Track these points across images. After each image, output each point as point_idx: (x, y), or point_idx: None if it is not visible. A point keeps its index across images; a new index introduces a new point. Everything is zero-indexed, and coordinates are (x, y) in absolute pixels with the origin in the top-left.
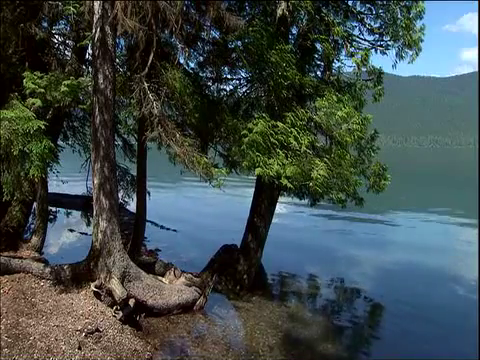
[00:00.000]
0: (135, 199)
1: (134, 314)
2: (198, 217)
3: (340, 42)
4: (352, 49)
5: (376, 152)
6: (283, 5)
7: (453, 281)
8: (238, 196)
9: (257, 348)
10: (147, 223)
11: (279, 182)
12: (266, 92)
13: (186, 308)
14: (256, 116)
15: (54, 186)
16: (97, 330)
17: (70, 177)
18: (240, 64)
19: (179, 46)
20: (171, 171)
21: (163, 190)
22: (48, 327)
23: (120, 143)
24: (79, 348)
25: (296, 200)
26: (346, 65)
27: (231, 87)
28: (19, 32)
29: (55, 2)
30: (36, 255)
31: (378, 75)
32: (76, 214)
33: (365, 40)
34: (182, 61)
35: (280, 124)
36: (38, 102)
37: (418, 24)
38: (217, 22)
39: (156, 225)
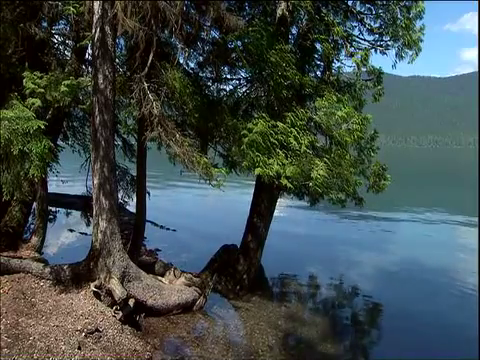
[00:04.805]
0: (135, 199)
1: (134, 314)
2: (198, 217)
3: (340, 42)
4: (352, 49)
5: (376, 152)
6: (283, 5)
7: (453, 281)
8: (238, 196)
9: (257, 348)
10: (147, 223)
11: (279, 182)
12: (266, 92)
13: (186, 308)
14: (256, 116)
15: (54, 186)
16: (97, 330)
17: (69, 177)
18: (240, 64)
19: (179, 46)
20: (172, 171)
21: (163, 190)
22: (48, 327)
23: (120, 143)
24: (79, 348)
25: (296, 200)
26: (346, 65)
27: (231, 87)
28: (19, 32)
29: (55, 2)
30: (36, 255)
31: (378, 75)
32: (76, 214)
33: (365, 40)
34: (182, 61)
35: (280, 124)
36: (38, 102)
37: (418, 24)
38: (217, 22)
39: (156, 225)
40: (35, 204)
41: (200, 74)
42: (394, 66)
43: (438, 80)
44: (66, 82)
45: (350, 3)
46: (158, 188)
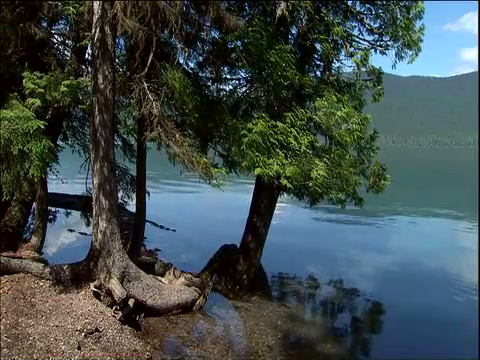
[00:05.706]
0: (135, 199)
1: (134, 314)
2: (197, 217)
3: (340, 42)
4: (352, 49)
5: (376, 152)
6: (283, 5)
7: (453, 281)
8: (237, 196)
9: (257, 348)
10: (147, 223)
11: (279, 182)
12: (266, 92)
13: (186, 308)
14: (256, 116)
15: (54, 186)
16: (96, 330)
17: (68, 177)
18: (240, 64)
19: (179, 46)
20: (171, 171)
21: (162, 190)
22: (47, 327)
23: (120, 143)
24: (78, 348)
25: (296, 200)
26: (346, 65)
27: (231, 87)
28: (19, 32)
29: (55, 2)
30: (36, 255)
31: (378, 75)
32: (76, 214)
33: (365, 40)
34: (182, 61)
35: (280, 124)
36: (38, 102)
37: (418, 24)
38: (217, 22)
39: (156, 225)
40: (35, 204)
41: (200, 74)
42: (394, 66)
43: (438, 80)
44: (66, 82)
45: (350, 3)
46: (157, 192)
